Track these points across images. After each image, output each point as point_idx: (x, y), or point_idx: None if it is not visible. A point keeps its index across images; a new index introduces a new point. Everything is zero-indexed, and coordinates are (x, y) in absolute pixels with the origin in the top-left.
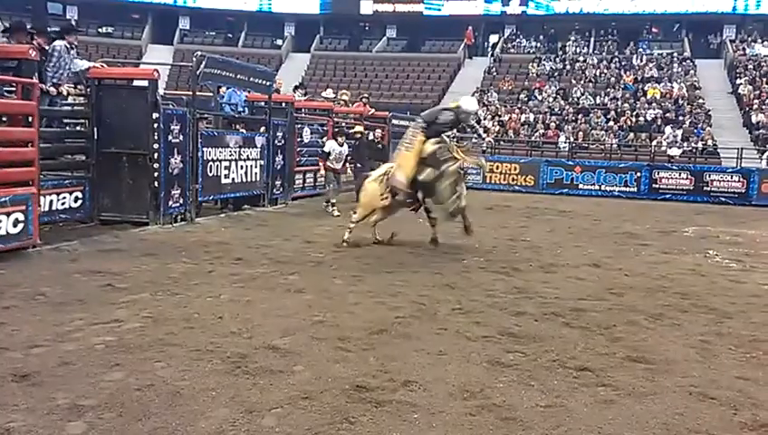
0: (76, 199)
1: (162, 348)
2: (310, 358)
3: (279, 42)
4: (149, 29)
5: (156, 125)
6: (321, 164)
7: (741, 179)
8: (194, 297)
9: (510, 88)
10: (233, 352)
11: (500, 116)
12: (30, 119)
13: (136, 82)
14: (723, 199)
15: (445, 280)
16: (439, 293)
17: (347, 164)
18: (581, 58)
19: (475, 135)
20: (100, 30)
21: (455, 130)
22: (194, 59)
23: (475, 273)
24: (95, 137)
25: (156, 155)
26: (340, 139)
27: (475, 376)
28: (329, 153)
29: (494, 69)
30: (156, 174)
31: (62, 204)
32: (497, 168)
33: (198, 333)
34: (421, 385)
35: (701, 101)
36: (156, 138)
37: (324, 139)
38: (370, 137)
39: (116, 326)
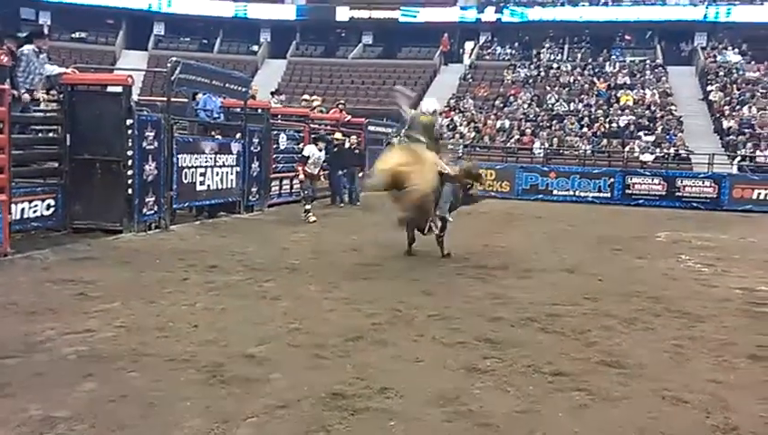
0: (48, 207)
1: (136, 358)
2: (286, 366)
3: (255, 48)
4: (124, 35)
5: (130, 131)
6: (299, 169)
7: (712, 185)
8: (168, 306)
9: (485, 94)
10: (208, 361)
11: (476, 122)
12: (0, 125)
13: (110, 88)
14: (695, 204)
15: (421, 286)
16: (416, 299)
17: (321, 170)
18: (556, 65)
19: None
20: (73, 35)
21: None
22: (168, 65)
23: (451, 279)
24: (68, 143)
25: (130, 162)
26: (320, 144)
27: (452, 382)
28: (308, 157)
29: (469, 75)
30: (130, 181)
31: (34, 212)
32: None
33: (173, 341)
34: (398, 392)
35: (673, 107)
36: (130, 144)
37: (302, 144)
38: (346, 145)
39: (88, 336)
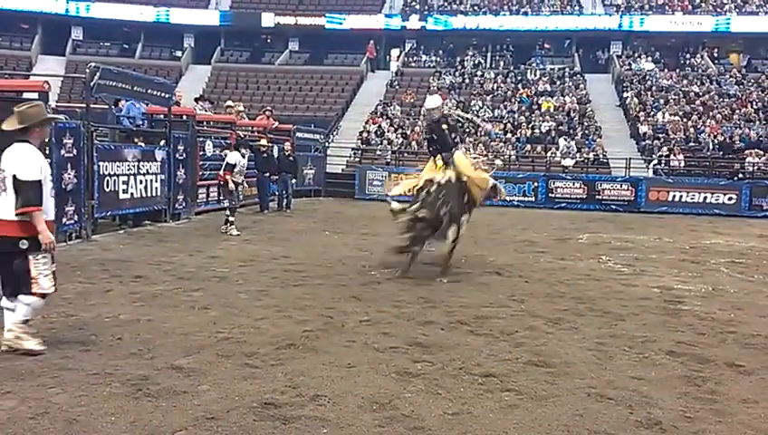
0: None
1: (57, 373)
2: (215, 376)
3: (178, 53)
4: (39, 39)
5: (47, 139)
6: (228, 177)
7: (630, 188)
8: (90, 318)
9: (412, 101)
10: (133, 375)
11: (403, 128)
12: None
13: (25, 95)
14: (613, 207)
15: (351, 292)
16: (346, 305)
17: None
18: (479, 72)
19: (472, 126)
20: None
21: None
22: (87, 70)
23: (381, 284)
24: None
25: None
26: (243, 150)
27: (384, 387)
28: (234, 166)
29: (396, 82)
30: None
31: None
32: (402, 179)
33: (95, 355)
34: (330, 399)
35: (591, 113)
36: (47, 152)
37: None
38: (274, 152)
39: (6, 352)
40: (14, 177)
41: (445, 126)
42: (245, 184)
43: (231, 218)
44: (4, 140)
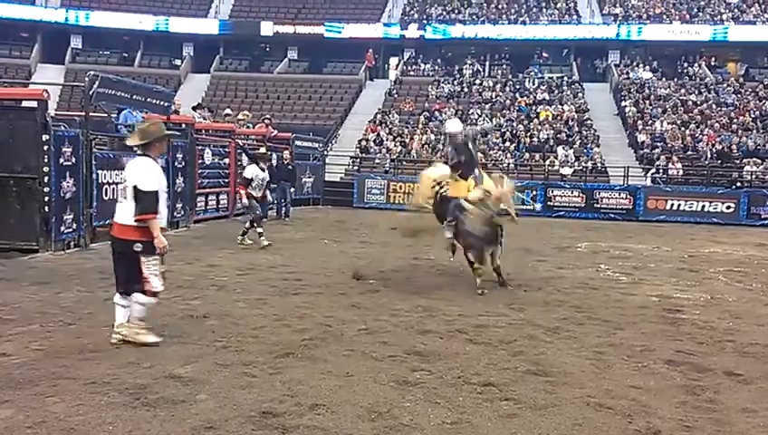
0: None
1: (55, 382)
2: (214, 385)
3: (177, 62)
4: (39, 48)
5: (46, 147)
6: (242, 192)
7: (628, 196)
8: (88, 327)
9: (410, 109)
10: (131, 384)
11: (402, 137)
12: None
13: (25, 103)
14: (612, 216)
15: (350, 301)
16: (345, 314)
17: (267, 190)
18: (478, 81)
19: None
20: None
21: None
22: (86, 79)
23: (379, 293)
24: None
25: (46, 178)
26: (261, 164)
27: (383, 396)
28: (251, 180)
29: (394, 91)
30: (46, 198)
31: None
32: (400, 187)
33: (93, 364)
34: (329, 408)
35: (589, 122)
36: (46, 160)
37: (227, 160)
38: (274, 160)
39: (4, 361)
40: (135, 187)
41: (471, 145)
42: (269, 196)
43: (259, 230)
44: None
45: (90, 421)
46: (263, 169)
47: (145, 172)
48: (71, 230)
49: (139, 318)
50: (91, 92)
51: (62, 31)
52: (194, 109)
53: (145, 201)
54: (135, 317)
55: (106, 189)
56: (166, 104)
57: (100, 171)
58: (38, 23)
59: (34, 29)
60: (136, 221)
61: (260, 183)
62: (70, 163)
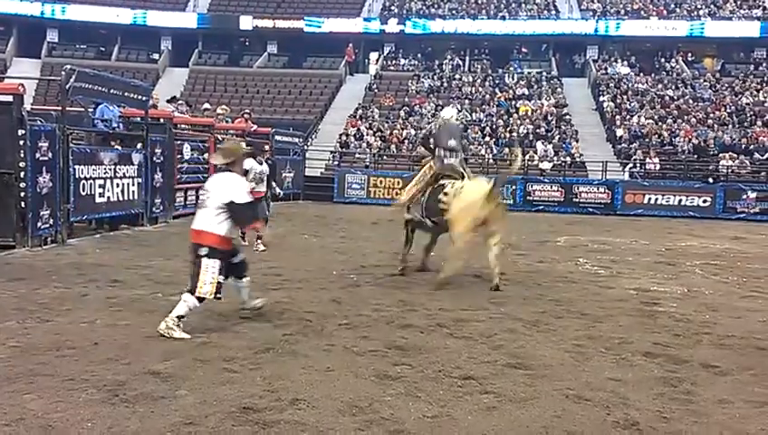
0: None
1: (32, 379)
2: (193, 381)
3: (155, 56)
4: (14, 41)
5: (22, 142)
6: None
7: (606, 191)
8: (66, 323)
9: (391, 104)
10: (110, 380)
11: (382, 131)
12: None
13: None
14: (590, 210)
15: (330, 295)
16: (325, 308)
17: (269, 187)
18: (457, 76)
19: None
20: None
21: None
22: (63, 73)
23: (360, 287)
24: None
25: (22, 174)
26: (259, 157)
27: (364, 391)
28: (247, 171)
29: (374, 86)
30: (22, 194)
31: None
32: (381, 182)
33: (71, 361)
34: (309, 403)
35: (568, 117)
36: (22, 155)
37: (206, 155)
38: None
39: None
40: (232, 202)
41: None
42: (276, 190)
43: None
44: None
45: (68, 418)
46: (260, 163)
47: (237, 188)
48: (47, 226)
49: (178, 315)
50: (67, 87)
51: (38, 24)
52: (168, 102)
53: (247, 212)
54: (175, 315)
55: (83, 185)
56: (143, 99)
57: (77, 166)
58: (14, 16)
59: (10, 22)
60: (251, 229)
61: (256, 176)
62: (46, 158)
